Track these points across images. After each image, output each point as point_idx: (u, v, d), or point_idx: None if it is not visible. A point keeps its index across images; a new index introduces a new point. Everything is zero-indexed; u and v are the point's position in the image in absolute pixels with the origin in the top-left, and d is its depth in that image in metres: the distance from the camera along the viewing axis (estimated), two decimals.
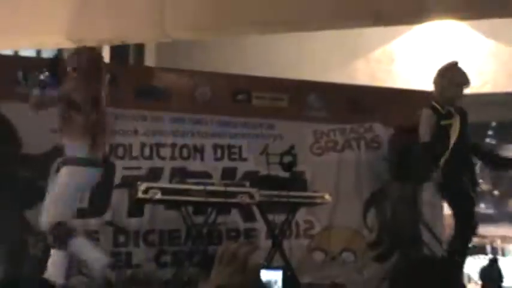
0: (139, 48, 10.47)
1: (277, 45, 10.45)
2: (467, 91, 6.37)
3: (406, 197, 7.16)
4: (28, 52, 9.75)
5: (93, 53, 5.78)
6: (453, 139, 5.92)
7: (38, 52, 10.04)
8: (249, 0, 8.23)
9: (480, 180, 11.96)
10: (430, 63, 10.35)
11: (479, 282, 8.99)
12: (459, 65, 6.16)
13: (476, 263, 9.62)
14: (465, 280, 8.75)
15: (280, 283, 2.00)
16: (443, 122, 5.94)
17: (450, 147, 5.91)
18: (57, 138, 6.52)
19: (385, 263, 7.17)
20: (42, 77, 5.40)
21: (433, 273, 2.45)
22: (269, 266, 1.89)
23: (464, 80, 6.07)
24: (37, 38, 8.82)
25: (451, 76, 6.07)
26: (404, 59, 10.57)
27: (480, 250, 10.56)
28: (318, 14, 8.08)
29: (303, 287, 6.41)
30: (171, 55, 10.37)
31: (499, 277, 8.93)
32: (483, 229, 11.46)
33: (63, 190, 5.37)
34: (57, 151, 6.55)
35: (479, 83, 10.48)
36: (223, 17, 8.56)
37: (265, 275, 2.00)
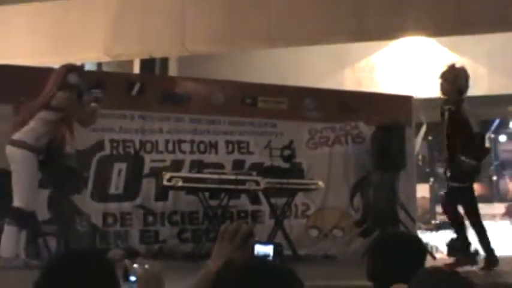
0: (164, 60, 10.48)
1: (278, 58, 10.46)
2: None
3: (385, 183, 7.16)
4: None
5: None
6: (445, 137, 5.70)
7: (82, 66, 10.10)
8: (255, 20, 8.27)
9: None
10: (405, 72, 10.37)
11: (445, 253, 9.00)
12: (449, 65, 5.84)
13: (443, 236, 9.63)
14: (433, 251, 8.75)
15: (271, 256, 2.00)
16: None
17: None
18: (97, 136, 6.65)
19: (368, 238, 7.18)
20: (98, 94, 5.42)
21: (404, 246, 2.48)
22: (261, 242, 1.90)
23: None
24: (81, 54, 8.87)
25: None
26: (384, 68, 10.57)
27: (447, 225, 10.57)
28: (312, 31, 8.11)
29: (300, 258, 6.41)
30: (190, 66, 10.39)
31: (465, 247, 8.92)
32: None
33: None
34: (97, 146, 6.66)
35: None
36: (233, 35, 8.62)
37: (259, 249, 1.99)
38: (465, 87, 5.69)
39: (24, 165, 5.27)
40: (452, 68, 5.75)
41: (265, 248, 1.97)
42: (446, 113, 5.66)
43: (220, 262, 1.85)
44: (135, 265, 1.95)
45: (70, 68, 5.52)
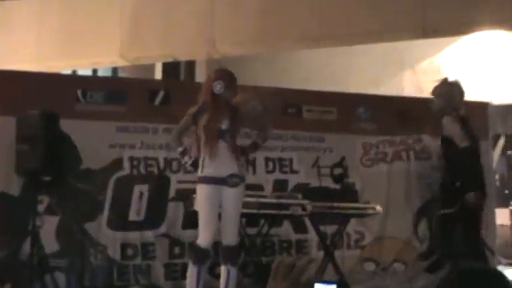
0: (190, 64, 10.59)
1: (326, 59, 10.48)
2: None
3: None
4: (85, 71, 9.99)
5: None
6: None
7: (94, 71, 10.26)
8: (296, 16, 8.30)
9: None
10: (477, 74, 10.29)
11: None
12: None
13: None
14: None
15: None
16: None
17: None
18: (115, 153, 6.74)
19: (436, 274, 7.11)
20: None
21: (487, 284, 2.44)
22: (323, 280, 1.86)
23: None
24: (93, 58, 9.03)
25: None
26: (452, 70, 10.50)
27: None
28: (366, 28, 8.12)
29: None
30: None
31: None
32: None
33: None
34: (115, 165, 6.76)
35: None
36: (271, 33, 8.66)
37: None
38: (459, 103, 6.19)
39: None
40: (444, 83, 6.24)
41: (327, 287, 1.98)
42: None
43: None
44: None
45: (217, 76, 5.68)
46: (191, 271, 5.50)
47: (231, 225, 5.53)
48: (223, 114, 5.50)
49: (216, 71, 5.84)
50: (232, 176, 5.47)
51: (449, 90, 6.23)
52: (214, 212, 5.47)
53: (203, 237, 5.46)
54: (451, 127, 6.11)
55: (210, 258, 5.62)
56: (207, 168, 5.48)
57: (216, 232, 5.51)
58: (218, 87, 5.53)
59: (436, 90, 6.31)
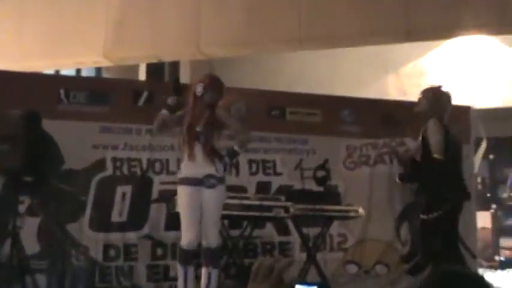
0: (174, 65, 10.56)
1: (310, 62, 10.49)
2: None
3: None
4: (68, 71, 9.92)
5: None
6: None
7: (78, 71, 10.19)
8: (282, 18, 8.29)
9: None
10: (460, 77, 10.34)
11: None
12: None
13: (509, 276, 9.54)
14: None
15: None
16: None
17: None
18: (97, 154, 6.70)
19: (418, 276, 7.14)
20: (169, 101, 5.51)
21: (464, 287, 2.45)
22: (304, 281, 1.84)
23: None
24: (76, 58, 8.96)
25: None
26: (435, 73, 10.55)
27: None
28: (350, 31, 8.13)
29: None
30: (205, 72, 10.44)
31: None
32: None
33: None
34: (97, 166, 6.72)
35: (511, 96, 10.42)
36: (257, 35, 8.64)
37: None
38: (444, 111, 6.19)
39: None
40: (436, 88, 6.28)
41: None
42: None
43: None
44: None
45: (200, 79, 5.67)
46: (179, 272, 5.49)
47: (211, 227, 5.50)
48: (201, 116, 5.50)
49: (202, 75, 5.85)
50: (208, 176, 5.45)
51: (438, 96, 6.23)
52: (195, 213, 5.44)
53: (186, 239, 5.43)
54: (434, 130, 6.09)
55: (195, 259, 5.59)
56: (185, 170, 5.48)
57: (200, 233, 5.48)
58: (199, 89, 5.54)
59: (425, 92, 6.31)
